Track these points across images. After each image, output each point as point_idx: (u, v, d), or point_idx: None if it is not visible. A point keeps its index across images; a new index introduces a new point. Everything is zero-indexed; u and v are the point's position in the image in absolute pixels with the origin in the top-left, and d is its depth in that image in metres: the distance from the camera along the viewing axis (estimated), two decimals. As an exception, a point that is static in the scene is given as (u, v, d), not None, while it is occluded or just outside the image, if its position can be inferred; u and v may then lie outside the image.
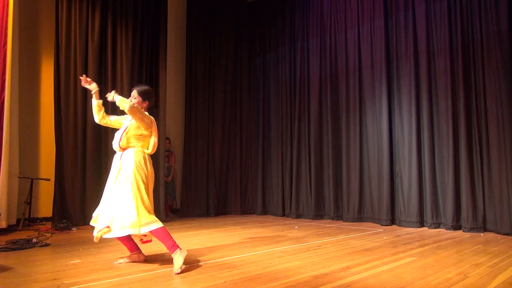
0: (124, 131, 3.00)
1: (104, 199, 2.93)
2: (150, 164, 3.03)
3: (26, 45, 5.64)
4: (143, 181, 2.89)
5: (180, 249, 2.80)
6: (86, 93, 5.66)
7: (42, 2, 5.89)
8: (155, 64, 6.38)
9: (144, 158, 2.98)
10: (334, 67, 6.49)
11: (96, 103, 3.16)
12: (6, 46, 4.71)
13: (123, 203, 2.79)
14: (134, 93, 3.12)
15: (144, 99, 3.11)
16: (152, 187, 3.01)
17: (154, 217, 2.83)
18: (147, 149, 3.04)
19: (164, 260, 3.13)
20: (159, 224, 2.81)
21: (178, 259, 2.73)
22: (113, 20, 5.95)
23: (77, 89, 5.56)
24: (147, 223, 2.76)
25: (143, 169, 2.93)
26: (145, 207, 2.82)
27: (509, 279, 2.52)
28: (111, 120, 3.24)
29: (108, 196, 2.91)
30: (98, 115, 3.18)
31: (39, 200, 5.63)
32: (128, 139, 2.98)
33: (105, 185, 3.02)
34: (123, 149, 2.99)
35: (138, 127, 3.00)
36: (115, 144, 3.02)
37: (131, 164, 2.90)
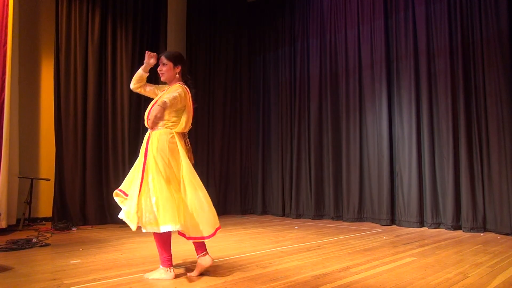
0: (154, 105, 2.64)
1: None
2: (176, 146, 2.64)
3: (26, 45, 5.64)
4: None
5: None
6: (86, 93, 5.66)
7: (42, 2, 5.89)
8: (155, 64, 6.37)
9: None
10: (334, 67, 6.49)
11: (141, 74, 2.84)
12: (6, 46, 4.70)
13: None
14: (163, 59, 2.75)
15: (176, 64, 2.75)
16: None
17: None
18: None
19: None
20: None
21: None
22: (113, 20, 5.95)
23: (77, 89, 5.57)
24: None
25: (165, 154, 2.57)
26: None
27: (509, 279, 2.52)
28: (147, 90, 2.88)
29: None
30: (136, 84, 2.86)
31: (39, 200, 5.63)
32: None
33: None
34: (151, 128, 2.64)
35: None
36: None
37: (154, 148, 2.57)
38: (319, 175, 6.49)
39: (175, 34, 7.23)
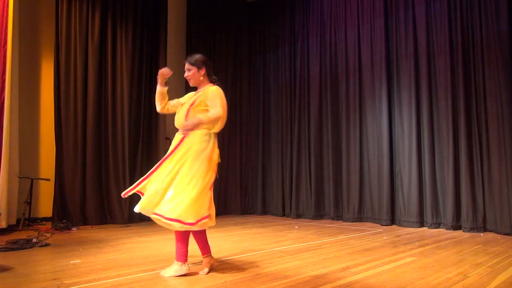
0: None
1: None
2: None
3: (26, 45, 5.64)
4: None
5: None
6: (86, 93, 5.67)
7: (42, 2, 5.89)
8: (155, 64, 6.37)
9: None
10: (334, 67, 6.49)
11: (160, 89, 2.90)
12: (6, 46, 4.70)
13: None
14: (186, 65, 2.83)
15: (199, 67, 2.81)
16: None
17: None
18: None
19: (164, 260, 3.13)
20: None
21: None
22: (113, 20, 5.95)
23: (77, 89, 5.57)
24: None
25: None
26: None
27: (509, 279, 2.52)
28: (172, 105, 2.97)
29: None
30: (161, 103, 2.94)
31: (39, 200, 5.63)
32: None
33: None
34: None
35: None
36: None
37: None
38: (319, 175, 6.49)
39: (175, 34, 7.23)
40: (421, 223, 5.23)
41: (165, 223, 2.51)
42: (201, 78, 2.85)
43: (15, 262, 3.06)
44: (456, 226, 4.93)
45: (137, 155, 6.00)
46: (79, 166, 5.51)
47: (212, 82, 2.91)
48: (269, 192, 7.18)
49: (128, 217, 5.67)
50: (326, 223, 5.83)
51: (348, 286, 2.37)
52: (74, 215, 5.34)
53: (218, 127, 2.81)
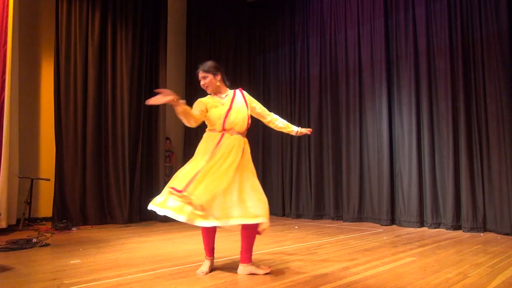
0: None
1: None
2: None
3: (26, 45, 5.64)
4: None
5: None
6: (86, 93, 5.67)
7: (42, 2, 5.89)
8: (155, 64, 6.38)
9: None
10: (334, 67, 6.49)
11: (181, 110, 2.50)
12: (6, 46, 4.70)
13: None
14: (201, 74, 2.76)
15: (215, 74, 2.77)
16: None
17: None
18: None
19: (164, 260, 3.14)
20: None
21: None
22: (113, 20, 5.95)
23: (77, 89, 5.57)
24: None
25: None
26: None
27: (509, 279, 2.52)
28: (201, 112, 2.71)
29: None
30: (192, 118, 2.62)
31: (39, 200, 5.63)
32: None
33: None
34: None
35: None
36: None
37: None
38: (319, 175, 6.49)
39: (175, 34, 7.22)
40: (421, 223, 5.23)
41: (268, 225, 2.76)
42: (218, 83, 2.81)
43: (15, 262, 3.06)
44: (456, 226, 4.93)
45: (137, 155, 5.99)
46: (79, 166, 5.51)
47: (227, 86, 2.92)
48: (269, 192, 7.15)
49: (128, 217, 5.67)
50: (326, 223, 5.83)
51: (348, 286, 2.37)
52: (74, 215, 5.34)
53: None
